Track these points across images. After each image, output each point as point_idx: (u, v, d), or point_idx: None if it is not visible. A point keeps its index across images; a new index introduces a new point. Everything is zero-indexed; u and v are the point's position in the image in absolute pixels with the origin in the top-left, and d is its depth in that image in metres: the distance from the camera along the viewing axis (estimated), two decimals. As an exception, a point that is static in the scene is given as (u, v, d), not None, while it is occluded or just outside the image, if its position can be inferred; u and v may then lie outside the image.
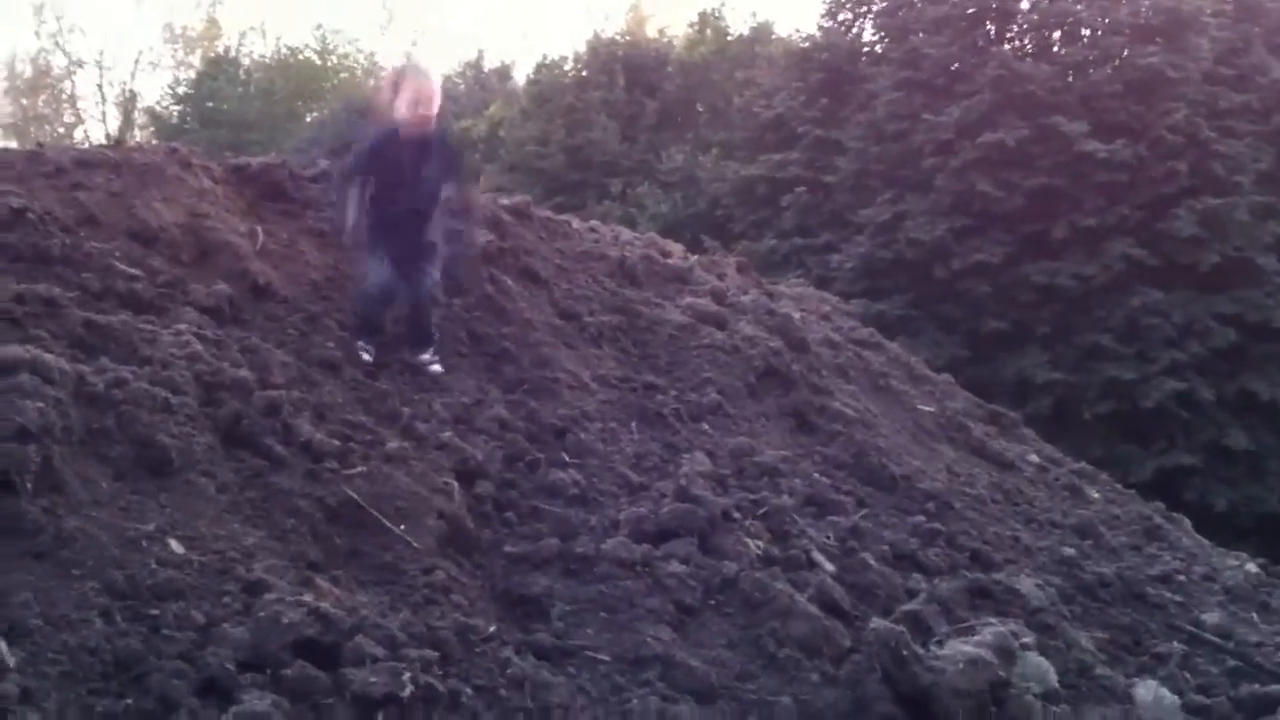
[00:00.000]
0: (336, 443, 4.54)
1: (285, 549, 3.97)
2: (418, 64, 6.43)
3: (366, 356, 5.44)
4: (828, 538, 5.56)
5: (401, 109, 5.51)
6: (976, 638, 5.01)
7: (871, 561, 5.51)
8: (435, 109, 5.58)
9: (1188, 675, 5.99)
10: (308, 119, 40.59)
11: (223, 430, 4.34)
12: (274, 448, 4.33)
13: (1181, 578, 7.28)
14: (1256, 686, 5.99)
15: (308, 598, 3.66)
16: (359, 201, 5.57)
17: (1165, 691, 5.50)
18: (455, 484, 4.67)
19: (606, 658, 4.28)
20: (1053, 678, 5.15)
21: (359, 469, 4.47)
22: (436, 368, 5.65)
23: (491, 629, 4.13)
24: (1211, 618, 6.72)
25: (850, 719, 4.62)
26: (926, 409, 8.17)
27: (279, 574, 3.77)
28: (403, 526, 4.35)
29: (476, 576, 4.44)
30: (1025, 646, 5.21)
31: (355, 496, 4.31)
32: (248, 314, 5.29)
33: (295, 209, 6.39)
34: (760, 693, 4.52)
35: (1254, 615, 7.28)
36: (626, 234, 9.25)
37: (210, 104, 40.29)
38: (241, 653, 3.40)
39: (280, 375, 4.79)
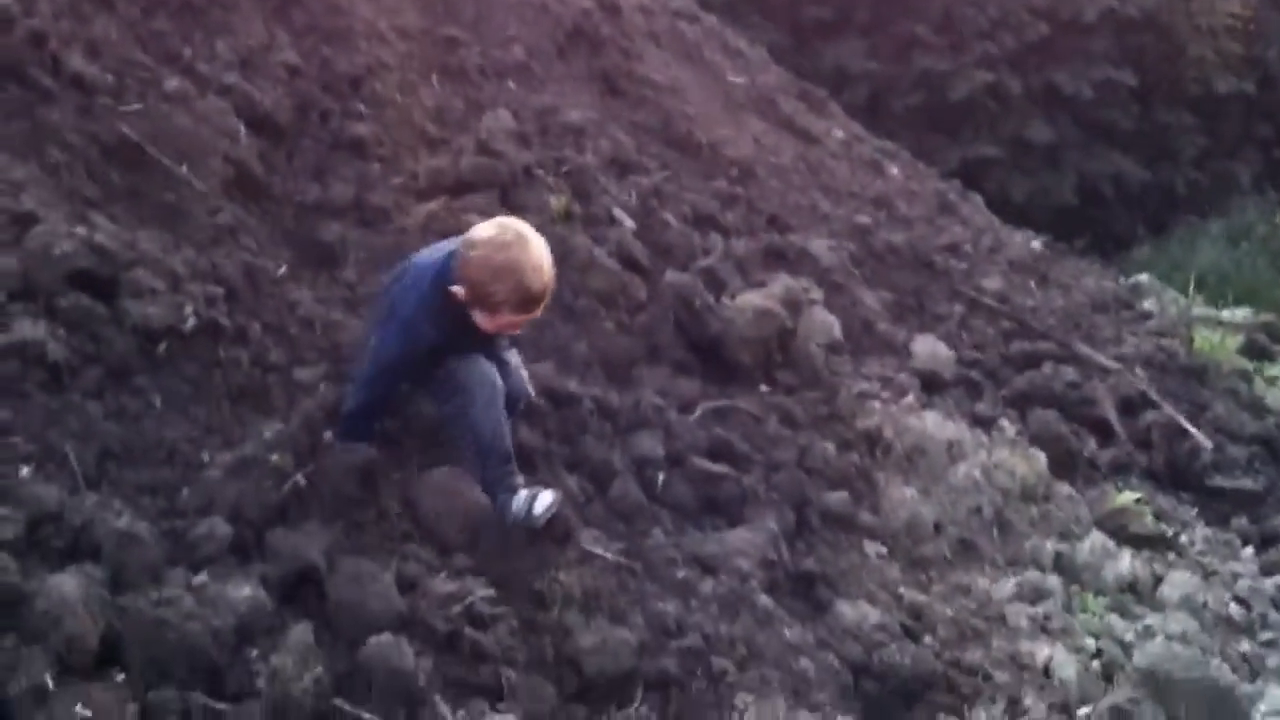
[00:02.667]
0: (111, 78, 4.28)
1: (57, 184, 3.78)
2: (533, 272, 3.30)
3: (546, 504, 3.46)
4: (630, 197, 5.59)
5: (481, 318, 3.36)
6: (766, 290, 5.19)
7: (672, 221, 5.59)
8: None
9: (964, 334, 6.37)
10: None
11: (-17, 61, 4.03)
12: (41, 80, 4.05)
13: (968, 248, 7.63)
14: (1026, 344, 6.42)
15: (82, 231, 3.52)
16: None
17: (941, 345, 5.84)
18: (242, 127, 4.49)
19: (401, 303, 4.29)
20: (837, 330, 5.40)
21: (136, 106, 4.24)
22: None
23: (282, 270, 4.07)
24: (992, 284, 7.10)
25: (643, 365, 4.78)
26: (737, 81, 8.14)
27: (51, 207, 3.60)
28: (185, 168, 4.18)
29: (266, 221, 4.34)
30: (813, 302, 5.42)
31: (132, 134, 4.09)
32: (7, -57, 4.83)
33: None
34: (557, 340, 4.62)
35: (1032, 284, 7.74)
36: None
37: None
38: (11, 282, 3.28)
39: (47, 6, 4.42)
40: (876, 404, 5.07)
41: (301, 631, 2.84)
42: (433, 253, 3.50)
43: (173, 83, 4.47)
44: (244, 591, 2.85)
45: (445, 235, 4.62)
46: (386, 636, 2.97)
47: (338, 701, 2.80)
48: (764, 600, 3.72)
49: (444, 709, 2.91)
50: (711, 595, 3.66)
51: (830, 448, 4.71)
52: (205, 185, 4.16)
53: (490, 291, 3.26)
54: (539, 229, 4.84)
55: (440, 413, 3.59)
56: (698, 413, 4.60)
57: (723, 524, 4.10)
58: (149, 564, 2.83)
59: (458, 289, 3.29)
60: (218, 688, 2.69)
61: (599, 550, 3.63)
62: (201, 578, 2.86)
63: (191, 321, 3.49)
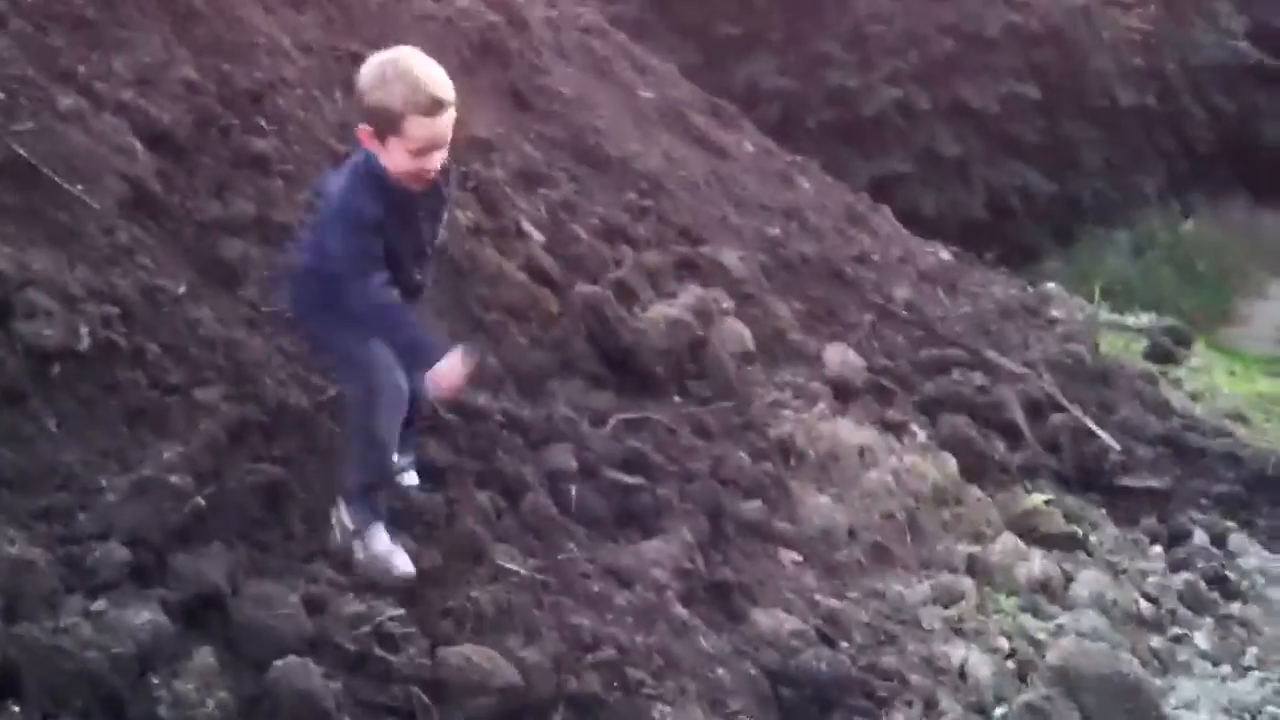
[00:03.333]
0: (3, 96, 4.16)
1: (-56, 206, 3.67)
2: (425, 72, 3.19)
3: (403, 571, 3.36)
4: (539, 210, 5.56)
5: (399, 156, 3.19)
6: (678, 301, 5.20)
7: (582, 234, 5.57)
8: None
9: (875, 342, 6.42)
10: None
11: None
12: (-72, 99, 3.93)
13: (877, 258, 7.71)
14: (935, 351, 6.49)
15: (-30, 253, 3.42)
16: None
17: (852, 354, 5.88)
18: (139, 145, 4.39)
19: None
20: (749, 340, 5.42)
21: (29, 125, 4.13)
22: (411, 477, 3.77)
23: (181, 290, 3.98)
24: (901, 293, 7.17)
25: (556, 378, 4.76)
26: (647, 95, 8.16)
27: (-63, 230, 3.49)
28: (80, 187, 4.07)
29: (164, 241, 4.24)
30: (725, 312, 5.44)
31: (24, 153, 3.98)
32: (-112, -42, 4.69)
33: None
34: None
35: (941, 293, 7.84)
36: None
37: None
38: (-105, 304, 3.17)
39: (-67, 23, 4.31)
40: (789, 412, 5.09)
41: (204, 655, 2.76)
42: (335, 175, 3.49)
43: (67, 101, 4.36)
44: (144, 617, 2.77)
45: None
46: (293, 659, 2.90)
47: (243, 726, 2.74)
48: (680, 610, 3.70)
49: (353, 730, 2.86)
50: (627, 607, 3.63)
51: (744, 457, 4.72)
52: (101, 204, 4.05)
53: (389, 106, 3.12)
54: (447, 243, 4.86)
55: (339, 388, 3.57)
56: (610, 424, 4.58)
57: (637, 535, 4.08)
58: (45, 592, 2.74)
59: (364, 132, 3.20)
60: (119, 716, 2.61)
61: (512, 566, 3.59)
62: (100, 604, 2.77)
63: (86, 342, 3.41)
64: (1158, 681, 4.10)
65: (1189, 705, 4.01)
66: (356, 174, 3.31)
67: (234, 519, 3.25)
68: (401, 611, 3.25)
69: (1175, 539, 5.40)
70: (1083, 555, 5.02)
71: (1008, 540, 4.87)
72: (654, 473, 4.42)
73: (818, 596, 4.23)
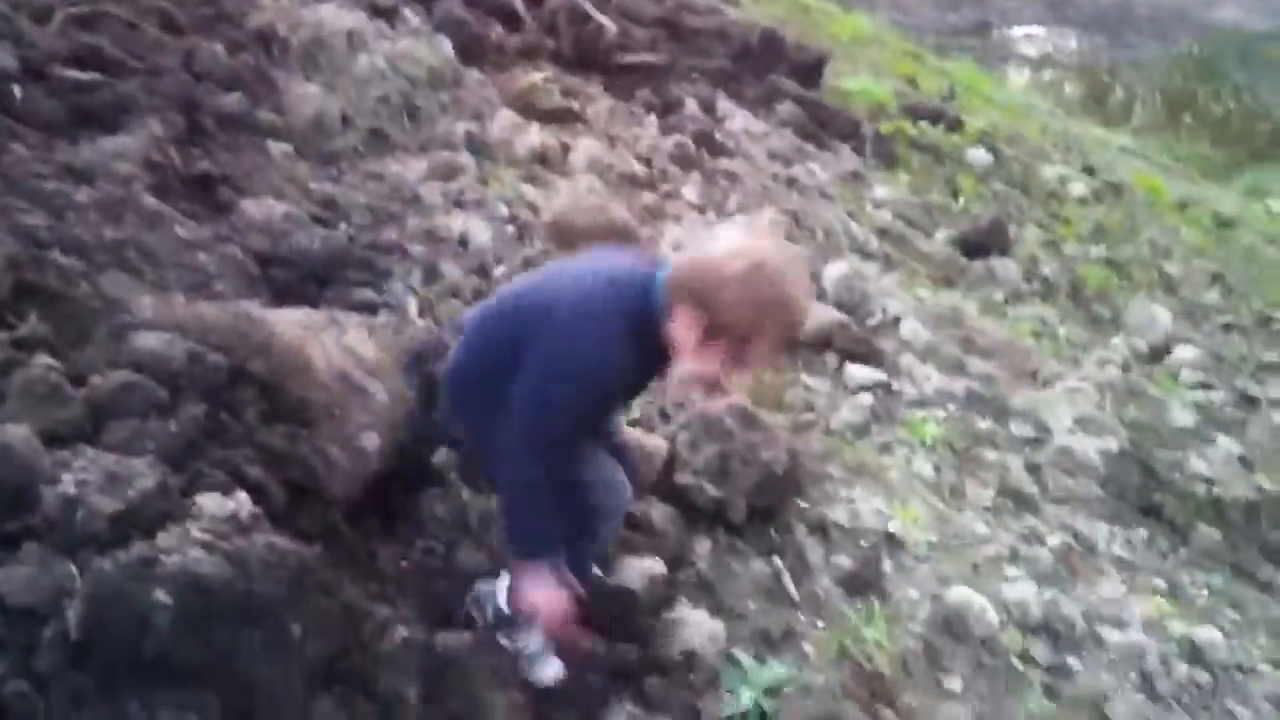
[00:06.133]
0: None
1: None
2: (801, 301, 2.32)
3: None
4: None
5: (707, 358, 2.36)
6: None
7: None
8: None
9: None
10: None
11: None
12: None
13: None
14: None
15: None
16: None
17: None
18: None
19: None
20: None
21: None
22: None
23: None
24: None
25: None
26: None
27: None
28: None
29: None
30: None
31: None
32: None
33: None
34: None
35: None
36: None
37: None
38: None
39: None
40: (267, 1, 4.71)
41: None
42: (587, 279, 2.48)
43: None
44: None
45: None
46: None
47: None
48: (152, 202, 3.42)
49: None
50: (89, 204, 3.30)
51: (219, 49, 4.34)
52: None
53: (749, 329, 2.31)
54: None
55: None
56: (57, 20, 4.05)
57: (98, 134, 3.69)
58: None
59: (686, 323, 2.33)
60: None
61: (-57, 172, 3.16)
62: None
63: None
64: (648, 230, 4.29)
65: (677, 248, 4.23)
66: (626, 319, 2.38)
67: None
68: None
69: (668, 108, 5.59)
70: (580, 127, 5.09)
71: (506, 117, 4.84)
72: (114, 69, 3.99)
73: (312, 184, 4.06)
